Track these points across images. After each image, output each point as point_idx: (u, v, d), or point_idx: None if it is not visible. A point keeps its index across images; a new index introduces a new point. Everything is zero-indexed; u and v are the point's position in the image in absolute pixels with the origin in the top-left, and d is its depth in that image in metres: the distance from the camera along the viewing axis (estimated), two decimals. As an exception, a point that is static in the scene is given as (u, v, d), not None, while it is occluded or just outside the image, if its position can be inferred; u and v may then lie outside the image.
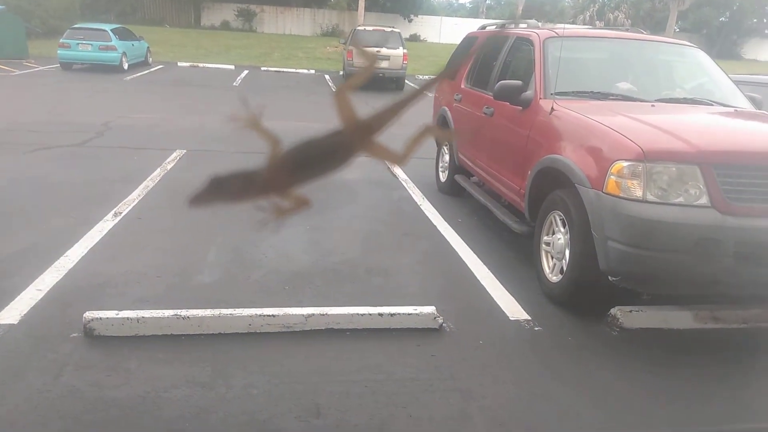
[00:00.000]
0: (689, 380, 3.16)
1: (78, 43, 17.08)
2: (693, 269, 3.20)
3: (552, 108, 4.04)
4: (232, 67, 20.71)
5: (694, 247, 3.14)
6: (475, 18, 43.39)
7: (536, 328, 3.51)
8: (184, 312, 3.25)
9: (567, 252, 3.65)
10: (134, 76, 16.95)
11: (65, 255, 4.12)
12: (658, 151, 3.26)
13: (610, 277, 3.42)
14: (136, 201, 5.46)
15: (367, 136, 0.96)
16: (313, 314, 3.33)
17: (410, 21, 38.89)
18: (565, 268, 3.67)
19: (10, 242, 4.37)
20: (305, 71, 21.11)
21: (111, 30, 17.73)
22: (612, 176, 3.29)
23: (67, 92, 13.43)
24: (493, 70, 5.22)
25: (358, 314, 3.37)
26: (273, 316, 3.29)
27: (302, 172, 0.95)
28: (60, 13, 24.74)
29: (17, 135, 8.20)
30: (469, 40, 6.27)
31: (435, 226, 5.25)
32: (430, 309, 3.44)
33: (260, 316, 3.28)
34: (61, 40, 17.27)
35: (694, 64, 5.03)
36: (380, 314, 3.38)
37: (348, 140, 0.94)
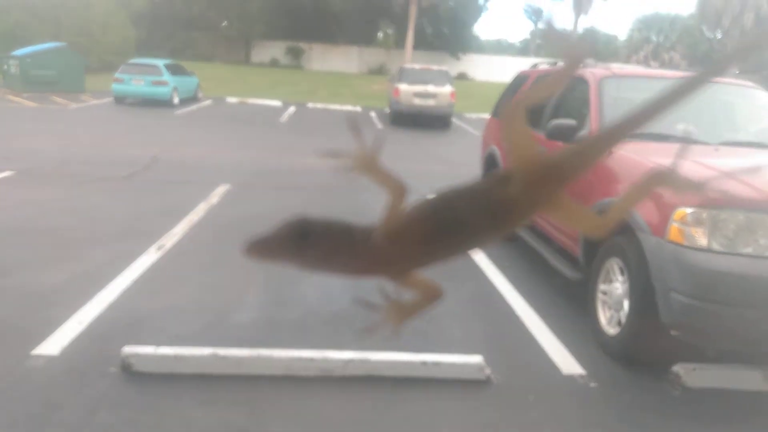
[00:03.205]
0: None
1: (131, 78, 17.73)
2: (764, 326, 2.97)
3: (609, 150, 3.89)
4: (279, 103, 21.17)
5: (765, 302, 2.92)
6: (525, 57, 43.40)
7: (591, 384, 3.30)
8: (222, 351, 3.18)
9: (625, 302, 3.45)
10: (184, 110, 17.47)
11: (107, 288, 4.13)
12: (724, 198, 3.07)
13: (672, 331, 3.20)
14: (180, 235, 5.48)
15: (553, 186, 0.61)
16: (353, 359, 3.21)
17: (458, 59, 39.21)
18: (623, 320, 3.46)
19: (56, 273, 4.42)
20: (351, 108, 21.40)
21: (163, 65, 18.39)
22: (674, 223, 3.12)
23: (119, 126, 13.90)
24: (546, 108, 5.10)
25: (399, 362, 3.23)
26: (311, 359, 3.19)
27: (440, 243, 0.61)
28: (116, 49, 25.89)
29: (70, 167, 8.45)
30: (521, 79, 6.18)
31: (481, 270, 5.08)
32: (476, 359, 3.27)
33: (299, 359, 3.19)
34: (115, 75, 17.98)
35: (758, 106, 4.81)
36: (423, 363, 3.23)
37: (522, 192, 0.60)
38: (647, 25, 50.52)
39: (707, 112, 4.70)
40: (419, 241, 0.60)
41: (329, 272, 0.61)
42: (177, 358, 3.13)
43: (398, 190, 0.62)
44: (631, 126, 0.64)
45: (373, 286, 0.73)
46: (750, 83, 5.11)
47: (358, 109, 21.43)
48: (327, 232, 0.59)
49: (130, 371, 3.07)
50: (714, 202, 3.03)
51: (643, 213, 3.33)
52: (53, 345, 3.31)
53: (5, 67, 19.33)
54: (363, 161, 0.64)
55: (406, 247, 0.60)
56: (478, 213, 0.60)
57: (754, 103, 4.86)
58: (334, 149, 0.65)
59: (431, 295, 0.67)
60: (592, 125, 4.19)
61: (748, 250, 3.02)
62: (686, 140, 4.15)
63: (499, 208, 0.60)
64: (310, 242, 0.58)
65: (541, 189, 0.61)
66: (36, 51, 19.19)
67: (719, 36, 32.71)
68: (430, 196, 0.62)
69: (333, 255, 0.59)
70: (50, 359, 3.17)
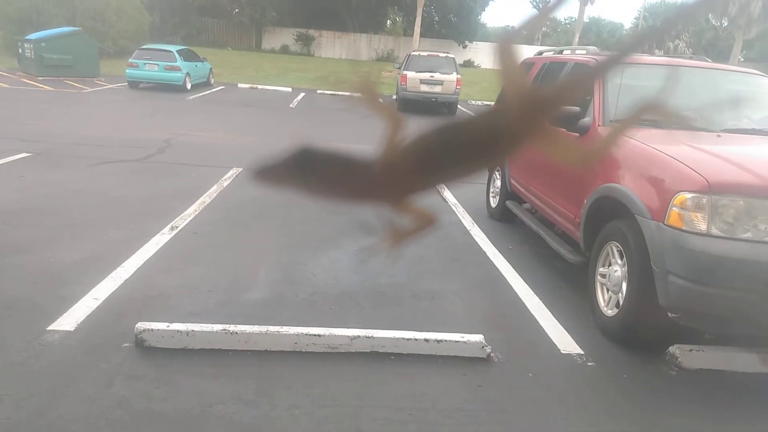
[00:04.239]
0: (752, 429, 2.96)
1: (145, 63, 17.78)
2: (761, 309, 3.02)
3: (611, 136, 3.94)
4: (289, 89, 21.18)
5: (763, 287, 2.97)
6: (530, 45, 43.00)
7: (589, 364, 3.38)
8: (232, 327, 3.28)
9: (624, 285, 3.52)
10: (196, 95, 17.54)
11: (122, 266, 4.24)
12: (725, 183, 3.11)
13: (669, 314, 3.26)
14: (192, 216, 5.59)
15: (541, 117, 0.64)
16: (359, 336, 3.30)
17: (464, 47, 39.01)
18: (621, 302, 3.53)
19: (72, 251, 4.53)
20: (359, 94, 21.35)
21: (176, 51, 18.41)
22: (674, 208, 3.16)
23: (133, 110, 14.00)
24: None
25: (403, 339, 3.32)
26: (318, 335, 3.28)
27: (436, 171, 0.63)
28: (130, 35, 25.95)
29: (84, 149, 8.56)
30: (526, 66, 6.21)
31: (484, 253, 5.16)
32: (477, 337, 3.36)
33: (306, 335, 3.28)
34: (129, 60, 18.03)
35: (762, 94, 4.81)
36: (426, 340, 3.32)
37: (514, 122, 0.62)
38: (653, 13, 49.89)
39: (712, 100, 4.71)
40: (416, 169, 0.62)
41: (331, 199, 0.64)
42: (189, 334, 3.22)
43: (396, 120, 0.64)
44: (609, 66, 0.68)
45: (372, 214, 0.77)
46: (754, 71, 5.10)
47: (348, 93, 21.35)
48: (330, 159, 0.61)
49: (143, 346, 3.17)
50: (715, 187, 3.07)
51: (644, 197, 3.38)
52: (69, 321, 3.41)
53: (20, 51, 19.46)
54: (364, 86, 0.68)
55: (404, 175, 0.62)
56: (472, 142, 0.62)
57: (758, 91, 4.86)
58: (339, 76, 0.69)
59: (426, 222, 0.69)
60: (595, 112, 4.23)
61: (748, 235, 3.06)
62: (688, 127, 4.18)
63: (493, 137, 0.62)
64: (313, 169, 0.60)
65: (531, 119, 0.63)
66: (51, 35, 19.27)
67: (725, 24, 32.21)
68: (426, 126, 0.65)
69: (335, 182, 0.61)
70: (66, 334, 3.27)
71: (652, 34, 0.82)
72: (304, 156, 0.61)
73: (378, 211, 0.65)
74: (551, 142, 0.64)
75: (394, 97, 18.81)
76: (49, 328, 3.32)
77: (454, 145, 0.62)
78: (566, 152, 0.69)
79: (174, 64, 17.88)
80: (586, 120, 4.22)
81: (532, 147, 0.69)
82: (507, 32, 0.69)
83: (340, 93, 21.01)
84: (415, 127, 0.66)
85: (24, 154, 7.76)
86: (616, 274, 3.61)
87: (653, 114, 0.76)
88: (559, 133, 0.65)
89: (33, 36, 19.11)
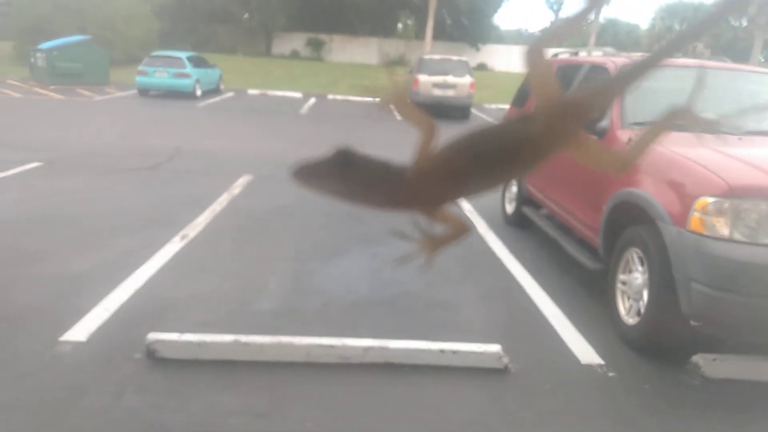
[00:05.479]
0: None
1: (155, 71, 17.86)
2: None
3: (630, 138, 3.86)
4: (299, 95, 21.22)
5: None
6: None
7: (610, 374, 3.29)
8: (244, 338, 3.24)
9: (645, 293, 3.43)
10: (206, 102, 17.61)
11: (133, 275, 4.21)
12: (747, 187, 3.05)
13: (692, 322, 3.18)
14: (203, 225, 5.56)
15: (572, 124, 0.65)
16: (372, 347, 3.24)
17: (478, 50, 38.91)
18: (642, 310, 3.44)
19: (83, 261, 4.52)
20: (371, 99, 21.37)
21: (186, 57, 18.49)
22: (696, 213, 3.09)
23: (143, 117, 14.07)
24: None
25: (418, 350, 3.26)
26: (331, 346, 3.23)
27: (468, 179, 0.65)
28: (140, 43, 26.12)
29: (94, 158, 8.59)
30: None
31: (500, 260, 5.08)
32: (495, 348, 3.28)
33: (319, 346, 3.23)
34: (139, 68, 18.12)
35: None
36: (441, 351, 3.25)
37: (544, 129, 0.63)
38: (670, 13, 49.52)
39: (732, 102, 4.62)
40: (449, 177, 0.62)
41: (366, 204, 0.63)
42: (200, 345, 3.19)
43: (429, 128, 0.64)
44: (641, 71, 0.67)
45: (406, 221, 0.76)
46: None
47: (378, 100, 21.34)
48: (367, 163, 0.61)
49: (154, 357, 3.14)
50: (736, 191, 3.00)
51: (664, 202, 3.30)
52: (80, 331, 3.39)
53: (32, 60, 19.67)
54: (395, 96, 0.68)
55: (437, 182, 0.62)
56: (503, 150, 0.62)
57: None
58: (369, 85, 0.68)
59: (461, 229, 0.69)
60: (613, 114, 4.15)
61: (771, 240, 2.99)
62: (715, 131, 4.10)
63: (524, 145, 0.62)
64: (351, 170, 0.60)
65: (561, 126, 0.63)
66: (62, 44, 19.47)
67: (745, 24, 31.93)
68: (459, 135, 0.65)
69: (371, 186, 0.61)
70: (78, 345, 3.25)
71: (687, 37, 0.78)
72: (343, 158, 0.60)
73: (412, 217, 0.65)
74: (584, 150, 0.62)
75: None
76: (61, 338, 3.30)
77: (486, 153, 0.63)
78: (599, 160, 0.67)
79: (184, 71, 17.96)
80: (604, 123, 4.15)
81: (564, 154, 0.68)
82: (538, 36, 0.64)
83: (355, 98, 21.04)
84: (449, 134, 0.63)
85: (36, 164, 7.79)
86: (636, 281, 3.53)
87: (680, 119, 0.74)
88: (591, 141, 0.61)
89: (45, 45, 19.32)
